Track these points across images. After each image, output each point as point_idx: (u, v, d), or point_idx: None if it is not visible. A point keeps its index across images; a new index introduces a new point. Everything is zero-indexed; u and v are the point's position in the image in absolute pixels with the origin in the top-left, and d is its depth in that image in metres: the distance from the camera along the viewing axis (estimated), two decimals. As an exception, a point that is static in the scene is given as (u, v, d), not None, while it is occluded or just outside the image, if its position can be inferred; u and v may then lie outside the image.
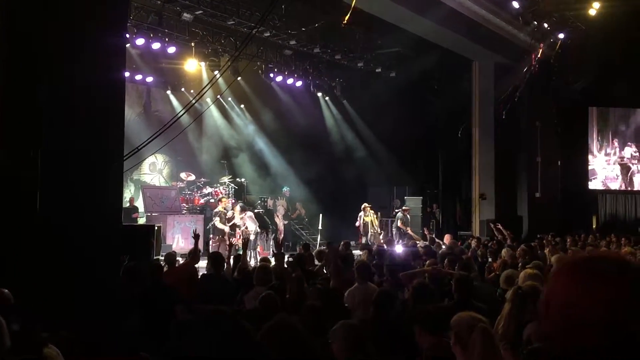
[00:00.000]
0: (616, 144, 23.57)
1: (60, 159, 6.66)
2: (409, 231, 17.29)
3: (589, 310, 1.42)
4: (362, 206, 17.79)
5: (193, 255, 8.43)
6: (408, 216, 18.11)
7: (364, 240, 16.95)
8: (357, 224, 17.56)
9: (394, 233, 17.88)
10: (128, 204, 16.26)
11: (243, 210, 15.08)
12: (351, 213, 20.99)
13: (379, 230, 17.70)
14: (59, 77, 6.64)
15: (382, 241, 15.35)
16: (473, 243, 13.14)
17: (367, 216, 17.51)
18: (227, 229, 14.52)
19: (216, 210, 15.14)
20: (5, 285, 4.97)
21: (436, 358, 3.89)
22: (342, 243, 11.27)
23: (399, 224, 17.83)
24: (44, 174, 6.42)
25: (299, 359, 3.17)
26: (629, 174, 23.55)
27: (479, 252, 10.49)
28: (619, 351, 1.39)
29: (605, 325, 1.40)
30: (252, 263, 12.88)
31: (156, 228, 12.55)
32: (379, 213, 18.35)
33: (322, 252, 10.40)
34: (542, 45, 17.97)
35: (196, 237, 8.96)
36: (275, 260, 8.91)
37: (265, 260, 9.28)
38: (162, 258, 9.82)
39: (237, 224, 14.57)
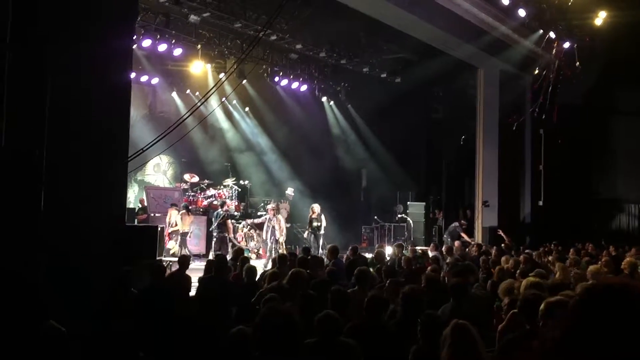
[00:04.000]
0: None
1: (65, 158, 6.71)
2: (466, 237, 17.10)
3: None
4: (270, 207, 15.63)
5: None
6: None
7: (268, 246, 14.73)
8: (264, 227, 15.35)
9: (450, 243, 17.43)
10: (139, 205, 16.35)
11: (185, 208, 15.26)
12: (354, 217, 21.08)
13: (282, 240, 15.12)
14: (65, 77, 6.69)
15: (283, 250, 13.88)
16: (473, 250, 13.19)
17: (272, 220, 15.13)
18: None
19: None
20: (8, 280, 5.00)
21: None
22: (349, 248, 11.25)
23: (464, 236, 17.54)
24: (48, 172, 6.48)
25: None
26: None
27: (481, 259, 10.46)
28: None
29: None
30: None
31: (159, 229, 12.58)
32: (281, 218, 15.66)
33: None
34: (547, 53, 17.98)
35: None
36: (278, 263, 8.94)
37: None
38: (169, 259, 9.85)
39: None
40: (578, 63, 17.41)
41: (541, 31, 17.18)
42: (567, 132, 20.46)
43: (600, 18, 16.47)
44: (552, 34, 16.98)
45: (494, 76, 19.53)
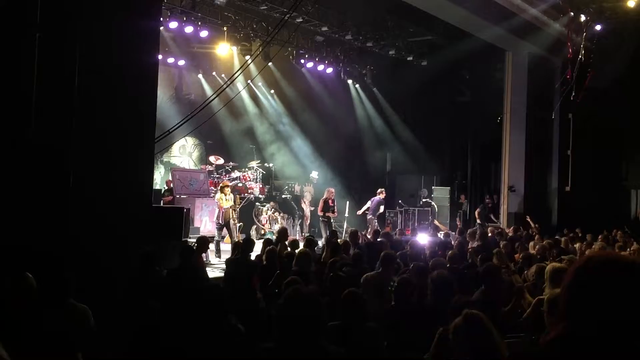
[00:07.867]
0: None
1: (93, 139, 6.78)
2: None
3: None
4: (221, 185, 13.51)
5: None
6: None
7: (218, 235, 12.79)
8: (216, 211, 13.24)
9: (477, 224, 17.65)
10: (165, 187, 16.46)
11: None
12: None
13: (236, 221, 13.45)
14: (94, 58, 6.74)
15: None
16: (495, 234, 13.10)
17: (227, 201, 12.82)
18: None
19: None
20: (35, 254, 5.11)
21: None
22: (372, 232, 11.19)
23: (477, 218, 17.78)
24: (77, 152, 6.55)
25: None
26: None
27: (502, 244, 10.34)
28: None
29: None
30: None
31: (185, 210, 12.65)
32: (238, 197, 14.44)
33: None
34: (577, 36, 17.63)
35: None
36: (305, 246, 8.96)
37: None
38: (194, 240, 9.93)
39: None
40: (608, 46, 17.04)
41: (572, 13, 16.85)
42: (597, 117, 20.10)
43: (634, 0, 16.08)
44: (582, 17, 16.64)
45: (523, 59, 19.24)
